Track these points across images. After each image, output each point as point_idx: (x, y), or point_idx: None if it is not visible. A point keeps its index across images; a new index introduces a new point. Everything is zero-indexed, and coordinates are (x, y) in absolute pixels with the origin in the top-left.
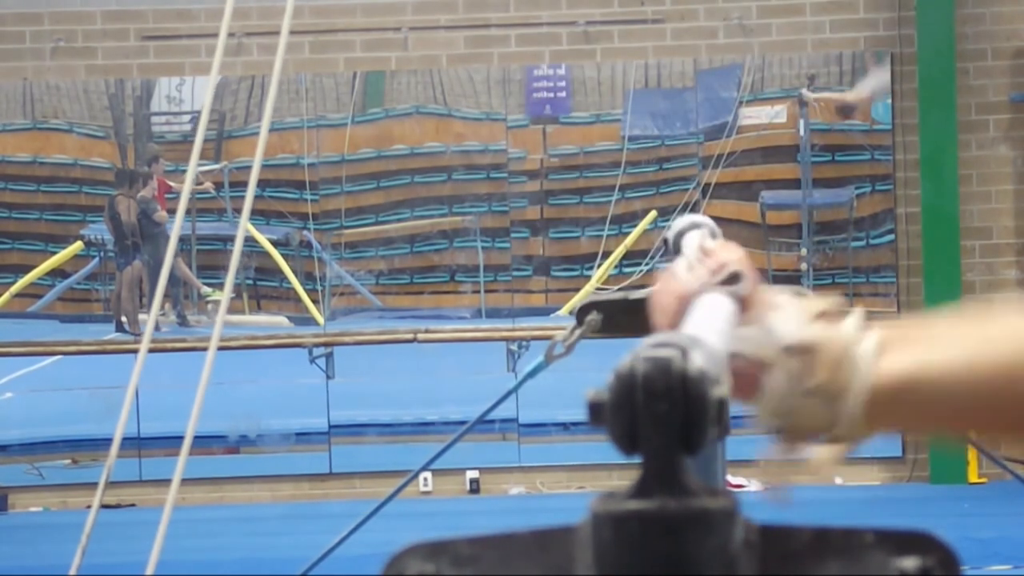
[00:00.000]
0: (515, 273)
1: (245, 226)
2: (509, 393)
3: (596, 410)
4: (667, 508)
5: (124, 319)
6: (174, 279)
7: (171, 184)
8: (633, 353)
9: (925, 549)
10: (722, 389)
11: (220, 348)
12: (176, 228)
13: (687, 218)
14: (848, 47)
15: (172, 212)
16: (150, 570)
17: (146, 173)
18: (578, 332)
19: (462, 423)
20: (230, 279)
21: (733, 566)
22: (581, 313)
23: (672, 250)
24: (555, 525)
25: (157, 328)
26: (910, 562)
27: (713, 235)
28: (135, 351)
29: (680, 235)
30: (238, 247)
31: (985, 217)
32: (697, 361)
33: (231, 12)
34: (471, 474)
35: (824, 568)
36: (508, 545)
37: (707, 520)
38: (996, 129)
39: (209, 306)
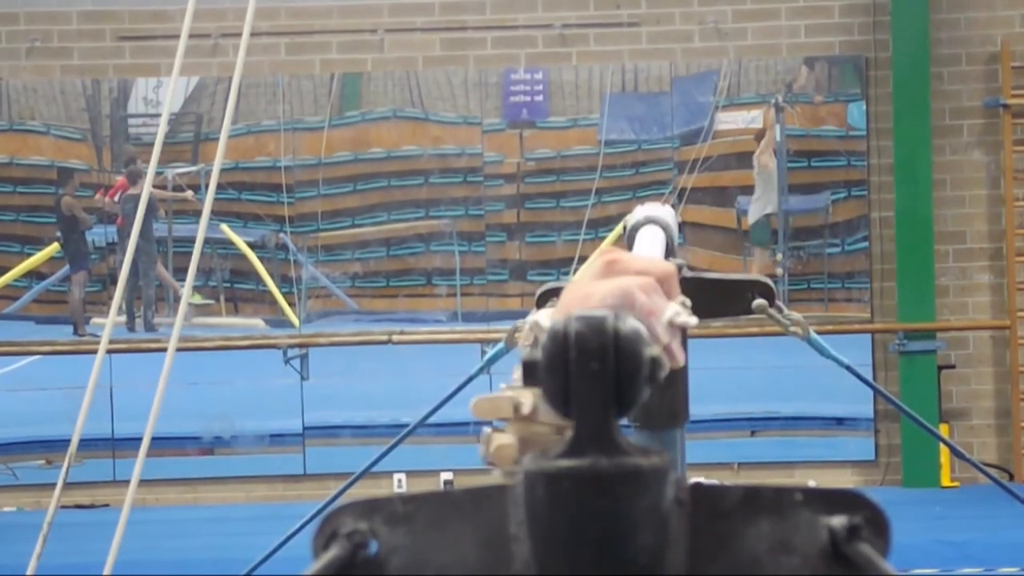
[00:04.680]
0: (491, 277)
1: (205, 226)
2: (469, 380)
3: (530, 369)
4: (599, 466)
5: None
6: (149, 283)
7: (128, 184)
8: (567, 315)
9: (854, 508)
10: (654, 348)
11: (195, 349)
12: (135, 232)
13: (645, 210)
14: (823, 51)
15: (154, 212)
16: (107, 570)
17: (134, 172)
18: None
19: (436, 426)
20: (190, 278)
21: (664, 524)
22: (542, 299)
23: (627, 240)
24: (489, 484)
25: (132, 330)
26: (839, 520)
27: (667, 229)
28: (114, 352)
29: (635, 230)
30: (198, 247)
31: (959, 222)
32: (630, 321)
33: (191, 15)
34: (445, 475)
35: (754, 526)
36: (442, 503)
37: (639, 478)
38: (970, 134)
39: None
